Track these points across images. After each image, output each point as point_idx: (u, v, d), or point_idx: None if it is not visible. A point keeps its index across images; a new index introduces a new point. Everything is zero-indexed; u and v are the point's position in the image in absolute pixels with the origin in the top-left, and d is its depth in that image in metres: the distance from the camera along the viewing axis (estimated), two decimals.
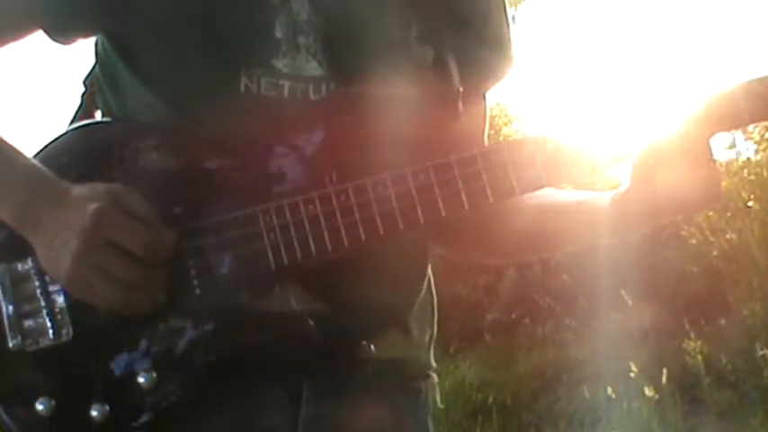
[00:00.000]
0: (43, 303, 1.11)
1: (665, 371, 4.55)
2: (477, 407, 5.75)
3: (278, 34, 1.15)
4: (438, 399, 1.42)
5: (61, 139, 1.18)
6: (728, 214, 5.84)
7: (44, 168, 1.12)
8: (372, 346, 1.15)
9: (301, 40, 1.16)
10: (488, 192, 1.10)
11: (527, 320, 6.49)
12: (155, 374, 1.09)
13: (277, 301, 1.12)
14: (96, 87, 1.26)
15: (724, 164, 6.48)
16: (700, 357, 4.82)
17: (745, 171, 6.11)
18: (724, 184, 6.19)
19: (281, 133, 1.13)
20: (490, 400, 5.72)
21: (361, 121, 1.13)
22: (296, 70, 1.15)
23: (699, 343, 4.89)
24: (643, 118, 1.10)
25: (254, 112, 1.14)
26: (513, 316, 6.62)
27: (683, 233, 5.82)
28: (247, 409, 1.16)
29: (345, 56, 1.18)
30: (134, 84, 1.18)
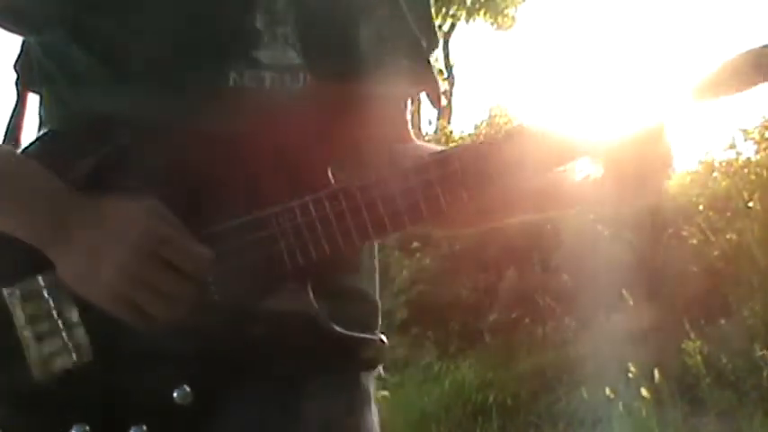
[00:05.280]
0: (60, 323, 1.07)
1: (656, 371, 4.55)
2: (477, 407, 5.75)
3: (259, 25, 1.15)
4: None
5: (47, 143, 1.14)
6: (729, 214, 5.84)
7: (58, 178, 1.08)
8: (386, 339, 1.16)
9: (279, 29, 1.16)
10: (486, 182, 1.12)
11: (527, 320, 6.48)
12: (187, 388, 1.07)
13: (295, 303, 1.12)
14: (38, 75, 1.19)
15: (724, 164, 6.49)
16: (700, 357, 4.82)
17: (746, 171, 6.11)
18: (724, 184, 6.20)
19: (270, 126, 1.12)
20: (490, 400, 5.71)
21: (324, 117, 1.14)
22: (276, 60, 1.15)
23: (699, 343, 4.89)
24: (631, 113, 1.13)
25: (242, 105, 1.13)
26: (513, 316, 6.62)
27: (684, 233, 5.82)
28: (265, 411, 1.16)
29: (317, 44, 1.18)
30: (111, 81, 1.14)
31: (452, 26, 17.84)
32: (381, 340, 1.15)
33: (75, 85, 1.16)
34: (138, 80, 1.13)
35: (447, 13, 17.58)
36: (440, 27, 17.80)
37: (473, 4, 17.43)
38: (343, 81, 1.17)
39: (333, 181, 1.12)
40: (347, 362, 1.17)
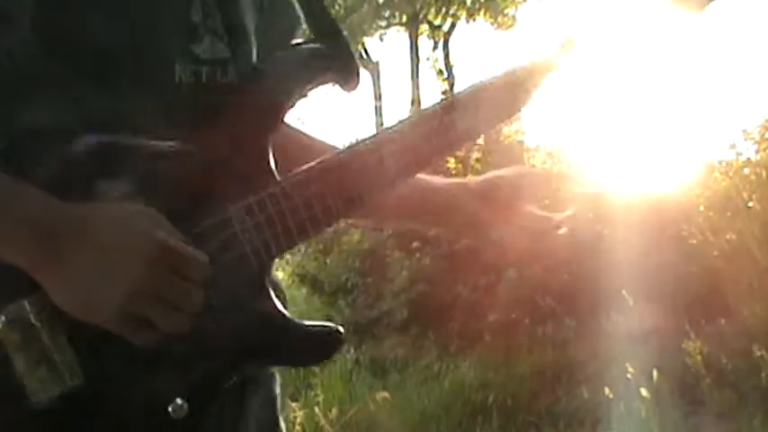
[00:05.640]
0: (50, 348, 1.00)
1: (656, 371, 4.55)
2: (477, 407, 5.75)
3: (195, 18, 1.15)
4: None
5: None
6: (729, 214, 5.84)
7: (34, 187, 1.00)
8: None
9: (209, 22, 1.16)
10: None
11: (527, 320, 6.48)
12: (179, 401, 1.04)
13: (263, 302, 1.12)
14: None
15: (724, 163, 6.49)
16: (699, 357, 4.82)
17: (746, 171, 6.11)
18: (724, 184, 6.20)
19: (211, 122, 1.11)
20: (490, 400, 5.71)
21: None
22: (210, 54, 1.15)
23: (699, 343, 4.89)
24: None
25: (187, 101, 1.12)
26: (513, 316, 6.62)
27: (684, 233, 5.82)
28: (244, 413, 1.19)
29: (237, 35, 1.19)
30: (70, 83, 1.08)
31: (452, 26, 17.85)
32: (338, 330, 1.14)
33: (22, 94, 1.07)
34: (95, 81, 1.08)
35: (447, 13, 17.59)
36: (440, 27, 17.81)
37: (473, 4, 17.45)
38: (257, 73, 1.18)
39: (277, 176, 1.12)
40: (309, 355, 1.16)
